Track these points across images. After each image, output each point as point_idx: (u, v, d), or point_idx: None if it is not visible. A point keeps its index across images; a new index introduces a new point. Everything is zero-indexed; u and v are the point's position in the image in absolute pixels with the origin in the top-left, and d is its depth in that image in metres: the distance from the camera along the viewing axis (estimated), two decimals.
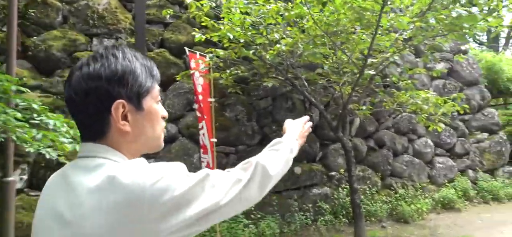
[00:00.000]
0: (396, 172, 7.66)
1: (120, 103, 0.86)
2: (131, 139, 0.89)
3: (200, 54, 5.24)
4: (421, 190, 7.62)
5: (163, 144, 0.99)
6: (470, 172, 8.55)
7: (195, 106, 5.45)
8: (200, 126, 5.12)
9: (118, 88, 0.85)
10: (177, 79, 5.45)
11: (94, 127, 0.87)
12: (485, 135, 9.03)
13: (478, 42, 27.81)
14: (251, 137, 6.40)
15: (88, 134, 0.88)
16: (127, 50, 0.91)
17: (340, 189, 6.79)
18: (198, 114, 5.15)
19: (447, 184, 7.96)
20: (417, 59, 8.77)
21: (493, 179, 8.63)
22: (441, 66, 8.87)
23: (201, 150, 5.19)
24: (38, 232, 0.87)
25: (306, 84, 5.74)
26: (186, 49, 5.18)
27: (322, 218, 6.33)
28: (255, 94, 6.61)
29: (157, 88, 0.94)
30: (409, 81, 6.44)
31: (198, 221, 0.82)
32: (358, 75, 4.90)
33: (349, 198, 6.77)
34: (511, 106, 11.38)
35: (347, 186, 6.95)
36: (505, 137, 9.26)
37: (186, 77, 5.45)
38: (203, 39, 4.95)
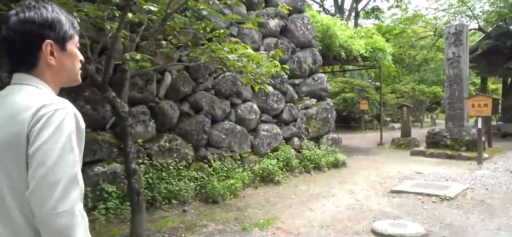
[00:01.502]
0: (213, 142, 6.55)
1: (49, 43, 1.16)
2: (55, 71, 1.20)
3: None
4: (240, 162, 6.72)
5: (80, 80, 1.30)
6: (296, 140, 8.07)
7: None
8: None
9: (48, 32, 1.16)
10: None
11: (27, 60, 1.16)
12: (314, 101, 8.66)
13: (320, 4, 29.52)
14: None
15: (21, 66, 1.17)
16: (54, 5, 1.21)
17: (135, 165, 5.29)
18: None
19: (270, 154, 7.26)
20: (251, 12, 7.71)
21: (317, 147, 8.36)
22: (274, 23, 8.01)
23: None
24: None
25: None
26: None
27: (103, 205, 4.78)
28: None
29: (77, 37, 1.27)
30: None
31: None
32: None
33: (146, 176, 5.39)
34: (341, 74, 11.53)
35: (146, 161, 5.53)
36: (332, 104, 9.09)
37: None
38: None
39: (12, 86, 1.16)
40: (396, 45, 23.51)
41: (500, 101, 12.88)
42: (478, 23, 15.77)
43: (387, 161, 9.34)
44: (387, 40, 22.59)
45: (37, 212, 1.00)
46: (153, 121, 5.79)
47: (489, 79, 21.81)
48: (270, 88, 7.68)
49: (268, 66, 5.30)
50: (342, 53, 10.29)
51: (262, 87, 5.60)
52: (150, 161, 5.53)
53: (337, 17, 11.76)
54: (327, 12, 26.87)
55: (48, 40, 1.16)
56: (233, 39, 7.08)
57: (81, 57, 1.28)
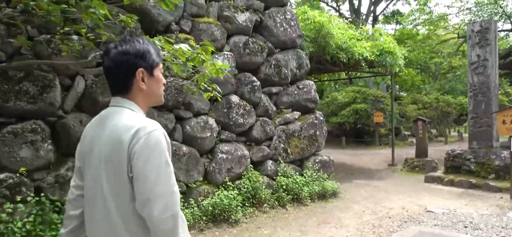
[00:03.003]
0: None
1: (141, 70, 1.40)
2: (145, 94, 1.43)
3: None
4: (185, 194, 5.10)
5: (163, 100, 1.54)
6: (270, 164, 6.37)
7: None
8: None
9: (140, 61, 1.40)
10: None
11: (123, 85, 1.40)
12: (297, 114, 6.94)
13: (336, 9, 27.52)
14: None
15: (118, 90, 1.42)
16: (144, 38, 1.47)
17: None
18: None
19: (229, 183, 5.59)
20: (213, 3, 6.15)
21: (299, 173, 6.62)
22: (245, 18, 6.40)
23: None
24: (82, 155, 1.45)
25: None
26: None
27: None
28: None
29: (161, 64, 1.49)
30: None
31: None
32: None
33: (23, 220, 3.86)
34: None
35: (32, 198, 4.00)
36: (322, 118, 7.33)
37: None
38: None
39: (112, 108, 1.41)
40: (420, 52, 21.34)
41: None
42: (510, 23, 13.58)
43: (393, 190, 7.46)
44: (410, 48, 20.58)
45: (148, 218, 1.24)
46: (50, 142, 4.27)
47: None
48: (235, 98, 6.05)
49: (208, 70, 3.72)
50: (341, 57, 8.53)
51: (213, 95, 4.07)
52: (36, 198, 3.98)
53: (352, 22, 10.07)
54: (343, 17, 25.04)
55: (140, 68, 1.40)
56: (183, 36, 5.60)
57: (164, 81, 1.52)
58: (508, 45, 16.07)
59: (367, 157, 12.82)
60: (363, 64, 9.30)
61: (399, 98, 21.61)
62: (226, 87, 5.87)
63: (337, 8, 27.91)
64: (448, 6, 17.15)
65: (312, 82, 7.45)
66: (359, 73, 13.12)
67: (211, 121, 5.68)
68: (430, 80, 26.83)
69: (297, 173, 6.56)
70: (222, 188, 5.47)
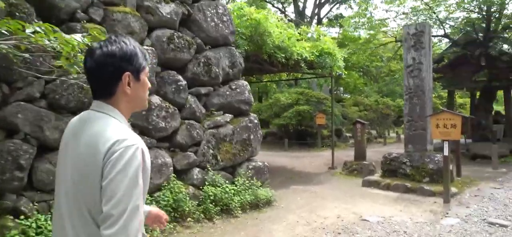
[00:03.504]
0: (39, 183, 4.14)
1: (127, 74, 1.31)
2: (130, 99, 1.34)
3: None
4: None
5: (147, 105, 1.46)
6: (196, 172, 5.76)
7: None
8: None
9: (126, 64, 1.31)
10: None
11: (106, 89, 1.31)
12: (229, 117, 6.40)
13: (282, 10, 27.54)
14: None
15: (100, 94, 1.32)
16: (131, 39, 1.37)
17: None
18: None
19: (147, 196, 4.90)
20: None
21: (230, 181, 6.09)
22: (170, 9, 5.74)
23: None
24: (61, 150, 1.37)
25: None
26: None
27: None
28: None
29: (147, 68, 1.41)
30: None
31: None
32: None
33: None
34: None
35: None
36: (256, 121, 6.86)
37: None
38: None
39: (93, 113, 1.33)
40: (360, 54, 21.76)
41: (469, 119, 11.13)
42: (443, 29, 14.08)
43: (330, 196, 7.16)
44: (351, 51, 20.87)
45: (104, 233, 1.16)
46: None
47: (456, 92, 20.37)
48: (156, 99, 5.37)
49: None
50: (279, 57, 8.13)
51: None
52: None
53: (296, 23, 9.68)
54: (289, 19, 25.00)
55: (126, 72, 1.31)
56: (91, 26, 4.83)
57: (149, 85, 1.44)
58: (441, 50, 16.77)
59: (308, 159, 12.62)
60: (303, 65, 9.00)
61: (342, 100, 21.94)
62: None
63: (283, 10, 27.91)
64: (386, 10, 17.51)
65: (246, 83, 6.95)
66: (300, 75, 12.91)
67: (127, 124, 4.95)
68: (372, 83, 27.67)
69: (227, 181, 6.01)
70: None
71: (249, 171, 6.41)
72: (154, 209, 1.75)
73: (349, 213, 5.92)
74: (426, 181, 7.47)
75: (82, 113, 1.37)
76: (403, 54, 8.77)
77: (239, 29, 7.61)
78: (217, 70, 6.32)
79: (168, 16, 5.71)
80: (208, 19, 6.34)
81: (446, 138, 6.80)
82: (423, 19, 13.35)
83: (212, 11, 6.42)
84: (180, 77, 5.79)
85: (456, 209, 5.97)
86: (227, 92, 6.49)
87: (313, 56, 9.35)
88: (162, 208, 4.89)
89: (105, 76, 1.30)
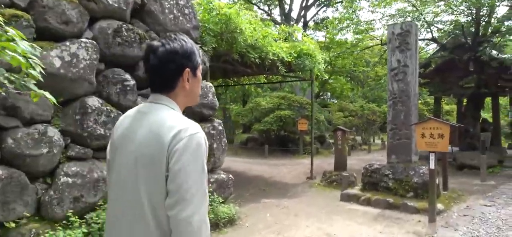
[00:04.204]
0: None
1: (187, 70, 1.39)
2: (187, 94, 1.42)
3: None
4: None
5: (199, 100, 1.56)
6: None
7: None
8: None
9: (187, 61, 1.38)
10: None
11: (168, 84, 1.38)
12: None
13: (268, 13, 26.89)
14: None
15: (161, 88, 1.39)
16: (187, 37, 1.44)
17: None
18: None
19: (74, 218, 4.05)
20: None
21: None
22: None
23: None
24: (113, 147, 1.43)
25: None
26: None
27: None
28: None
29: (201, 65, 1.48)
30: None
31: None
32: None
33: None
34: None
35: None
36: (221, 127, 6.07)
37: None
38: None
39: (151, 105, 1.39)
40: (344, 58, 21.13)
41: (458, 127, 10.45)
42: (431, 32, 13.51)
43: (304, 212, 6.41)
44: (335, 54, 20.26)
45: (174, 219, 1.22)
46: None
47: (443, 99, 19.87)
48: (94, 102, 4.55)
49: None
50: (252, 56, 7.38)
51: (38, 96, 2.51)
52: None
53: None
54: (275, 21, 24.30)
55: (187, 68, 1.39)
56: (11, 12, 4.04)
57: (202, 82, 1.59)
58: (428, 55, 16.23)
59: (287, 168, 11.87)
60: (280, 66, 8.27)
61: (327, 105, 21.29)
62: (80, 86, 4.38)
63: (269, 12, 27.25)
64: (371, 11, 16.93)
65: (210, 84, 6.17)
66: (280, 77, 12.18)
67: (52, 132, 4.12)
68: (359, 88, 27.12)
69: None
70: (62, 226, 3.94)
71: (210, 184, 5.61)
72: None
73: (322, 235, 5.16)
74: (410, 196, 6.77)
75: (140, 105, 1.44)
76: (388, 56, 8.09)
77: (206, 25, 6.86)
78: None
79: (115, 5, 4.89)
80: (166, 10, 5.55)
81: (432, 149, 6.11)
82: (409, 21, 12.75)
83: (171, 2, 5.64)
84: (127, 76, 4.97)
85: (443, 232, 5.26)
86: None
87: (291, 57, 8.65)
88: (94, 232, 4.07)
89: (168, 72, 1.37)
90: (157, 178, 1.24)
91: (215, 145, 5.81)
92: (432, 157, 5.98)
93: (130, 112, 1.45)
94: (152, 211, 1.25)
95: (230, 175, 6.08)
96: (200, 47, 6.57)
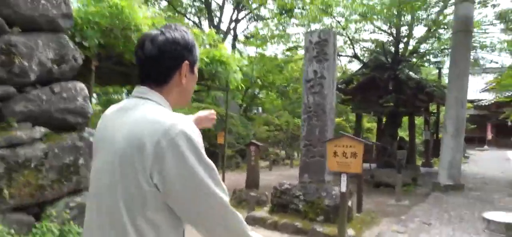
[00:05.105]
0: None
1: (187, 63, 1.22)
2: (181, 90, 1.24)
3: None
4: None
5: (190, 102, 1.47)
6: None
7: None
8: None
9: (188, 54, 1.23)
10: None
11: (162, 77, 1.21)
12: (40, 130, 4.34)
13: (197, 24, 25.90)
14: None
15: (151, 80, 1.21)
16: (186, 28, 1.28)
17: None
18: None
19: None
20: None
21: (28, 229, 4.02)
22: None
23: None
24: (94, 151, 1.24)
25: None
26: None
27: None
28: None
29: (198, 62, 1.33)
30: None
31: None
32: None
33: None
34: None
35: None
36: (92, 139, 4.88)
37: None
38: None
39: (135, 100, 1.19)
40: (278, 75, 20.74)
41: (374, 145, 10.28)
42: (353, 48, 13.46)
43: None
44: (269, 71, 19.78)
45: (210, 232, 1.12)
46: None
47: (364, 116, 20.25)
48: None
49: None
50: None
51: None
52: None
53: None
54: (203, 32, 23.32)
55: (186, 61, 1.22)
56: None
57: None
58: (351, 72, 16.33)
59: None
60: None
61: (253, 118, 20.70)
62: None
63: (199, 24, 26.28)
64: (296, 25, 16.70)
65: (82, 86, 4.93)
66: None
67: None
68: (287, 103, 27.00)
69: (23, 230, 3.93)
70: None
71: (71, 211, 4.39)
72: (202, 113, 1.70)
73: None
74: (320, 220, 6.09)
75: (123, 100, 1.27)
76: (304, 66, 7.48)
77: (90, 17, 5.73)
78: (27, 63, 4.25)
79: None
80: None
81: (344, 170, 5.50)
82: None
83: None
84: None
85: None
86: (44, 97, 4.42)
87: (201, 63, 7.72)
88: None
89: (166, 63, 1.21)
90: (137, 180, 1.06)
91: (81, 161, 4.60)
92: (343, 179, 5.36)
93: (113, 108, 1.26)
94: (132, 220, 1.07)
95: None
96: (79, 42, 5.46)
